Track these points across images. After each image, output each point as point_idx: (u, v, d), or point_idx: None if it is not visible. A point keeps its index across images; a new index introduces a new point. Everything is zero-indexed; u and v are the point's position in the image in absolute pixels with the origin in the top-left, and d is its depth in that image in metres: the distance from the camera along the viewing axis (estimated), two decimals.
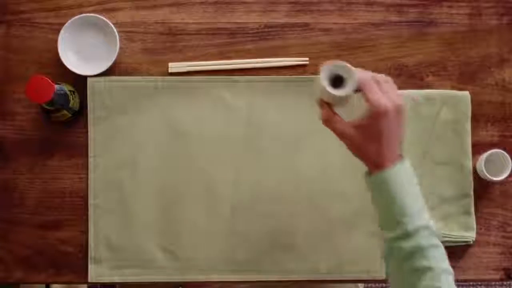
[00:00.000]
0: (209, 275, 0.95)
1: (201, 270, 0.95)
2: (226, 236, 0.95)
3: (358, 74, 0.72)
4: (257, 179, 0.95)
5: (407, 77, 0.97)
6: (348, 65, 0.73)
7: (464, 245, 0.96)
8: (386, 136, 0.72)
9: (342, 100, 0.74)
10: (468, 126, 0.96)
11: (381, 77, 0.74)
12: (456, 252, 0.96)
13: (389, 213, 0.74)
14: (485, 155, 0.93)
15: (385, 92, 0.72)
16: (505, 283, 1.72)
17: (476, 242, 0.96)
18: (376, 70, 0.96)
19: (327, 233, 0.95)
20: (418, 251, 0.72)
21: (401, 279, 0.74)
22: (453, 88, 0.97)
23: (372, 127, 0.72)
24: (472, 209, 0.95)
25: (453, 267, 0.96)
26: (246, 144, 0.95)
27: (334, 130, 0.75)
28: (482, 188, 0.97)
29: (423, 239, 0.72)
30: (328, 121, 0.75)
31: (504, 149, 0.94)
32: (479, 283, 1.74)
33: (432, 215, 0.94)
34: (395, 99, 0.72)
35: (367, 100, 0.71)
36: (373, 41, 0.98)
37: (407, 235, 0.72)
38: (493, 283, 1.72)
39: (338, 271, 0.95)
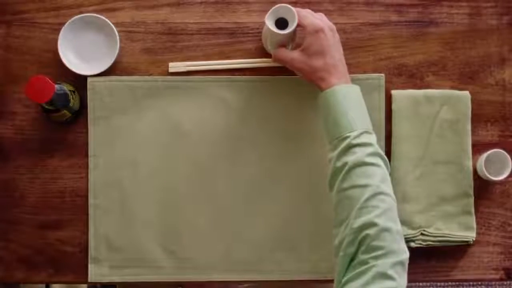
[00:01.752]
0: (209, 275, 0.95)
1: (201, 270, 0.95)
2: (226, 236, 0.95)
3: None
4: (257, 179, 0.95)
5: (407, 77, 0.97)
6: (289, 6, 0.84)
7: (464, 245, 0.96)
8: (327, 49, 0.83)
9: (287, 38, 0.88)
10: (468, 126, 0.96)
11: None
12: (456, 252, 0.96)
13: (336, 129, 0.78)
14: (485, 155, 0.93)
15: (318, 18, 0.85)
16: (505, 283, 1.72)
17: (476, 242, 0.96)
18: (376, 70, 0.97)
19: (328, 233, 0.94)
20: (358, 167, 0.74)
21: (343, 199, 0.75)
22: (453, 88, 0.97)
23: (312, 45, 0.83)
24: (472, 209, 0.95)
25: (453, 267, 0.97)
26: (246, 144, 0.95)
27: (285, 60, 0.87)
28: (482, 188, 0.97)
29: (366, 156, 0.74)
30: (278, 55, 0.88)
31: (504, 149, 0.94)
32: (479, 283, 1.74)
33: (432, 215, 0.95)
34: (326, 20, 0.85)
35: (303, 25, 0.83)
36: (373, 41, 0.98)
37: (350, 149, 0.75)
38: (493, 283, 1.73)
39: None
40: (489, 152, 0.93)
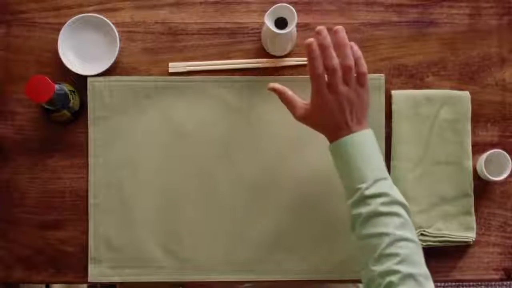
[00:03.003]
0: (209, 275, 0.95)
1: (201, 270, 0.95)
2: (226, 236, 0.95)
3: (308, 41, 0.80)
4: (257, 179, 0.95)
5: (407, 77, 0.97)
6: (289, 5, 0.85)
7: (464, 245, 0.96)
8: (337, 108, 0.79)
9: (287, 37, 0.89)
10: (468, 126, 0.96)
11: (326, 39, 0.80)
12: (456, 252, 0.96)
13: (349, 180, 0.77)
14: (485, 155, 0.93)
15: (330, 83, 0.79)
16: (505, 283, 1.72)
17: (476, 242, 0.96)
18: (376, 70, 0.97)
19: (327, 233, 0.95)
20: (374, 217, 0.73)
21: (362, 247, 0.74)
22: (453, 88, 0.97)
23: (319, 114, 0.81)
24: (472, 209, 0.95)
25: (453, 267, 0.97)
26: (246, 144, 0.95)
27: (293, 111, 0.85)
28: (482, 188, 0.97)
29: (381, 206, 0.73)
30: (288, 103, 0.86)
31: (504, 149, 0.94)
32: (479, 283, 1.74)
33: (432, 215, 0.95)
34: (338, 90, 0.79)
35: (311, 91, 0.81)
36: (373, 41, 0.98)
37: (363, 201, 0.74)
38: (493, 283, 1.73)
39: (338, 271, 0.95)
40: (489, 152, 0.93)
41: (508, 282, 1.71)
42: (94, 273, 0.94)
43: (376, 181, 0.75)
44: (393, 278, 0.70)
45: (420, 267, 0.72)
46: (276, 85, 0.86)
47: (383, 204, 0.73)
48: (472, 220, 0.95)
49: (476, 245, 0.96)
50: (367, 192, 0.74)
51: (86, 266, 0.95)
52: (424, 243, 0.93)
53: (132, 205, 0.95)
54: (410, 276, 0.70)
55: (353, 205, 0.76)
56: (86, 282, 0.95)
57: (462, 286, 1.75)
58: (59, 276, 0.96)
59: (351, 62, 0.79)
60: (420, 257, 0.73)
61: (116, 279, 0.95)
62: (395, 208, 0.74)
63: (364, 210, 0.74)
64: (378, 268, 0.71)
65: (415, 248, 0.73)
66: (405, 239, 0.72)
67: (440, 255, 0.96)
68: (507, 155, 0.92)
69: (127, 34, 0.97)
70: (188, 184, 0.95)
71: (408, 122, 0.95)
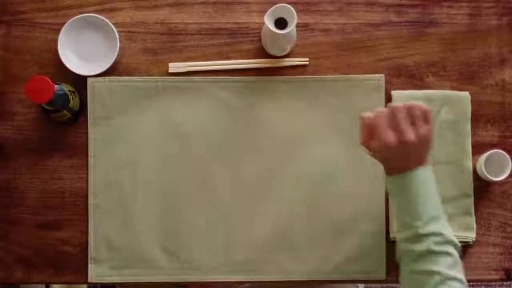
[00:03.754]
0: (209, 275, 0.95)
1: (201, 271, 0.95)
2: (226, 236, 0.95)
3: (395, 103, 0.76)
4: (257, 179, 0.95)
5: (407, 77, 0.97)
6: (289, 6, 0.85)
7: (464, 245, 0.96)
8: (406, 155, 0.76)
9: (287, 37, 0.89)
10: (468, 126, 0.96)
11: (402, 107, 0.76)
12: None
13: (404, 215, 0.76)
14: (485, 155, 0.93)
15: (400, 124, 0.75)
16: (505, 283, 1.71)
17: (476, 242, 0.96)
18: (376, 70, 0.97)
19: (327, 234, 0.95)
20: (426, 255, 0.73)
21: (410, 281, 0.75)
22: (453, 88, 0.97)
23: (392, 149, 0.76)
24: (472, 209, 0.95)
25: None
26: (245, 144, 0.95)
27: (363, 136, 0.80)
28: (482, 188, 0.97)
29: (434, 245, 0.73)
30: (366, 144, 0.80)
31: (504, 149, 0.94)
32: (479, 283, 1.74)
33: None
34: (405, 134, 0.74)
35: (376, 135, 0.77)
36: (373, 41, 0.98)
37: (417, 238, 0.74)
38: (493, 283, 1.72)
39: (338, 271, 0.95)
40: (489, 152, 0.93)
41: (508, 282, 1.71)
42: (94, 273, 0.94)
43: (432, 219, 0.75)
44: None
45: None
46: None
47: (436, 243, 0.73)
48: (472, 220, 0.95)
49: (476, 245, 0.96)
50: (422, 231, 0.74)
51: (86, 267, 0.95)
52: None
53: (132, 205, 0.95)
54: None
55: (405, 240, 0.76)
56: (86, 282, 0.95)
57: None
58: (59, 276, 0.96)
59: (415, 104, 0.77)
60: None
61: (116, 279, 0.95)
62: (448, 248, 0.74)
63: (417, 248, 0.74)
64: None
65: None
66: (454, 279, 0.72)
67: None
68: (507, 155, 0.92)
69: (127, 34, 0.97)
70: (188, 184, 0.95)
71: None
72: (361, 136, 0.79)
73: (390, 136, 0.75)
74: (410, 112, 0.75)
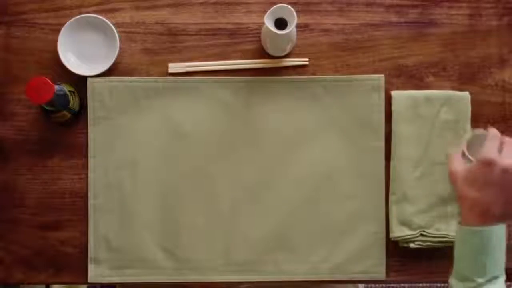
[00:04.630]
0: (209, 276, 0.95)
1: (201, 271, 0.95)
2: (226, 236, 0.95)
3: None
4: (256, 180, 0.95)
5: (407, 77, 0.97)
6: (289, 6, 0.85)
7: None
8: (486, 186, 0.74)
9: (287, 38, 0.90)
10: (468, 126, 0.96)
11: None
12: None
13: (467, 267, 0.75)
14: (466, 137, 0.88)
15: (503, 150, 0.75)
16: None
17: None
18: (376, 71, 0.97)
19: (327, 234, 0.95)
20: None
21: None
22: (453, 88, 0.97)
23: (474, 174, 0.75)
24: None
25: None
26: (245, 144, 0.95)
27: (449, 169, 0.81)
28: None
29: None
30: (450, 162, 0.81)
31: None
32: None
33: (432, 215, 0.95)
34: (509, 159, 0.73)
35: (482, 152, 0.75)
36: (373, 41, 0.98)
37: None
38: None
39: (338, 271, 0.95)
40: (470, 134, 0.89)
41: (508, 283, 1.70)
42: (94, 273, 0.94)
43: (492, 278, 0.74)
44: None
45: None
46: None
47: None
48: None
49: None
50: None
51: (86, 267, 0.95)
52: (424, 244, 0.93)
53: (132, 205, 0.95)
54: None
55: None
56: (86, 282, 0.95)
57: None
58: (59, 277, 0.96)
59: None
60: None
61: (116, 279, 0.95)
62: None
63: None
64: None
65: None
66: None
67: (440, 255, 0.96)
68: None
69: (127, 34, 0.97)
70: (188, 184, 0.95)
71: (408, 123, 0.95)
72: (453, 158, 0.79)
73: None
74: None
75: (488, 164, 0.74)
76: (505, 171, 0.73)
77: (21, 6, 0.97)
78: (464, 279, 0.76)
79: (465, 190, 0.77)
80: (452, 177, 0.80)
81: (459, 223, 0.77)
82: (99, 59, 0.95)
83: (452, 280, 0.78)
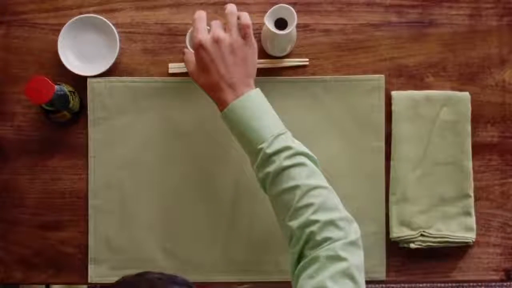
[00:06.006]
0: (209, 276, 0.95)
1: (201, 271, 0.95)
2: (226, 236, 0.95)
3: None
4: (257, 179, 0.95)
5: (407, 78, 0.97)
6: (289, 6, 0.85)
7: (464, 246, 0.96)
8: (215, 68, 0.79)
9: (287, 38, 0.89)
10: (468, 126, 0.96)
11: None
12: (456, 252, 0.96)
13: (248, 145, 0.77)
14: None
15: (212, 27, 0.80)
16: (505, 284, 1.71)
17: (476, 242, 0.96)
18: (376, 71, 0.97)
19: None
20: (281, 173, 0.73)
21: (278, 205, 0.75)
22: (453, 89, 0.97)
23: (199, 63, 0.81)
24: (472, 210, 0.95)
25: (453, 268, 0.97)
26: None
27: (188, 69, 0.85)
28: (482, 189, 0.97)
29: (284, 160, 0.73)
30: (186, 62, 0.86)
31: (504, 150, 0.94)
32: (479, 284, 1.74)
33: (432, 216, 0.95)
34: (216, 32, 0.79)
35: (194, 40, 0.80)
36: (373, 41, 0.98)
37: (267, 160, 0.74)
38: (493, 284, 1.72)
39: None
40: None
41: (508, 283, 1.71)
42: (94, 273, 0.94)
43: (275, 137, 0.75)
44: (313, 228, 0.70)
45: (338, 212, 0.72)
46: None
47: (287, 157, 0.73)
48: (472, 220, 0.95)
49: (476, 245, 0.96)
50: (269, 151, 0.74)
51: (86, 267, 0.95)
52: (424, 244, 0.93)
53: (132, 205, 0.95)
54: (330, 223, 0.70)
55: (259, 167, 0.76)
56: (86, 283, 0.95)
57: (462, 287, 1.75)
58: (59, 277, 0.96)
59: (233, 11, 0.81)
60: (335, 202, 0.73)
61: (116, 279, 0.95)
62: (300, 159, 0.74)
63: (270, 169, 0.74)
64: (296, 222, 0.71)
65: (329, 194, 0.73)
66: (316, 187, 0.72)
67: (440, 256, 0.96)
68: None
69: (127, 34, 0.97)
70: (188, 184, 0.95)
71: (408, 123, 0.95)
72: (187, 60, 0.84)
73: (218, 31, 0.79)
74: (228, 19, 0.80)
75: (199, 46, 0.79)
76: (218, 41, 0.79)
77: (21, 6, 0.97)
78: (255, 155, 0.76)
79: (200, 78, 0.82)
80: (193, 77, 0.84)
81: (220, 117, 0.80)
82: (99, 59, 0.95)
83: (253, 167, 0.78)
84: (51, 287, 1.44)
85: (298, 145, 0.76)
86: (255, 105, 0.78)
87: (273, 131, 0.76)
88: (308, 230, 0.70)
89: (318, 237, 0.70)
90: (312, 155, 0.77)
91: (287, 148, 0.74)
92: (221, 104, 0.80)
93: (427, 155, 0.95)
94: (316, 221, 0.70)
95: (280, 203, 0.74)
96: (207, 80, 0.81)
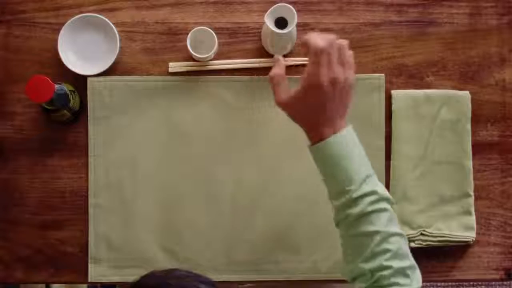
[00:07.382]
0: (210, 275, 0.94)
1: (201, 270, 0.94)
2: (226, 235, 0.95)
3: (313, 40, 0.75)
4: (257, 179, 0.95)
5: (407, 77, 0.97)
6: (289, 5, 0.85)
7: (464, 245, 0.96)
8: (322, 108, 0.75)
9: (287, 37, 0.89)
10: (468, 126, 0.96)
11: (335, 44, 0.76)
12: (456, 252, 0.96)
13: (334, 183, 0.76)
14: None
15: (329, 63, 0.74)
16: (505, 283, 1.72)
17: (476, 242, 0.96)
18: (376, 70, 0.97)
19: (328, 233, 0.95)
20: (363, 217, 0.73)
21: (352, 244, 0.75)
22: (453, 88, 0.97)
23: (306, 99, 0.75)
24: (472, 209, 0.95)
25: (453, 267, 0.97)
26: (245, 144, 0.95)
27: (276, 94, 0.79)
28: (482, 188, 0.97)
29: (368, 206, 0.73)
30: (274, 81, 0.79)
31: (504, 149, 0.94)
32: (480, 283, 1.74)
33: (432, 215, 0.95)
34: (335, 72, 0.74)
35: (306, 71, 0.75)
36: (373, 41, 0.98)
37: (352, 203, 0.73)
38: (493, 283, 1.72)
39: (338, 270, 0.95)
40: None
41: (508, 282, 1.71)
42: (94, 273, 0.94)
43: (363, 180, 0.74)
44: (385, 272, 0.71)
45: (408, 260, 0.73)
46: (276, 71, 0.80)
47: (371, 203, 0.73)
48: (472, 220, 0.95)
49: (476, 245, 0.96)
50: (356, 195, 0.73)
51: (86, 266, 0.95)
52: (424, 243, 0.94)
53: (132, 204, 0.95)
54: (400, 270, 0.71)
55: (340, 208, 0.75)
56: (86, 282, 0.95)
57: (462, 286, 1.75)
58: (59, 276, 0.96)
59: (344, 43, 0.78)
60: (407, 248, 0.74)
61: (116, 279, 0.95)
62: (382, 205, 0.74)
63: (353, 211, 0.73)
64: (370, 265, 0.72)
65: (402, 240, 0.74)
66: (394, 235, 0.73)
67: (440, 255, 0.96)
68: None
69: (127, 34, 0.97)
70: (188, 183, 0.95)
71: (408, 122, 0.95)
72: (277, 88, 0.78)
73: (338, 72, 0.74)
74: (341, 52, 0.76)
75: (316, 87, 0.74)
76: (334, 84, 0.74)
77: (21, 5, 0.97)
78: (339, 193, 0.75)
79: (303, 116, 0.77)
80: (281, 106, 0.79)
81: (310, 145, 0.77)
82: (99, 58, 0.95)
83: (332, 203, 0.77)
84: (51, 286, 1.44)
85: (381, 189, 0.75)
86: (349, 142, 0.76)
87: (362, 173, 0.74)
88: (379, 274, 0.71)
89: (386, 282, 0.71)
90: (390, 197, 0.76)
91: (373, 193, 0.73)
92: (315, 136, 0.76)
93: (427, 154, 0.95)
94: (389, 267, 0.71)
95: (355, 243, 0.74)
96: (307, 116, 0.76)
